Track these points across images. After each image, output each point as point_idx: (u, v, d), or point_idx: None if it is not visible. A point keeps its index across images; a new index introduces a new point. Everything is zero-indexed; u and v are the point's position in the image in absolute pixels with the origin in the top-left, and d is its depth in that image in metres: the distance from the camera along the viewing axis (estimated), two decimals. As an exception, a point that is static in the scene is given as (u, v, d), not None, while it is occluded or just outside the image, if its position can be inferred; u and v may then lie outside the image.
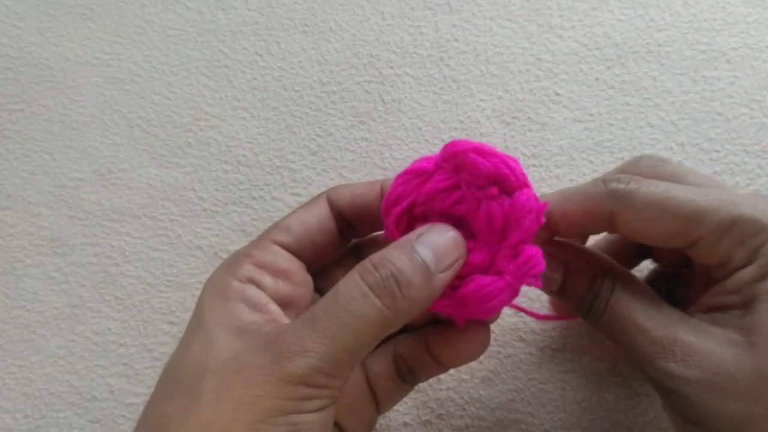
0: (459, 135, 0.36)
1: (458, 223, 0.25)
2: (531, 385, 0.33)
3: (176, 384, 0.24)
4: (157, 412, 0.23)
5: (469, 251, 0.25)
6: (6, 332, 0.35)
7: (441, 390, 0.33)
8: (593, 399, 0.32)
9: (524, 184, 0.25)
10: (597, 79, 0.37)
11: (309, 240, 0.27)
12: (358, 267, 0.23)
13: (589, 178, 0.35)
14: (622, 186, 0.25)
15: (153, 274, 0.36)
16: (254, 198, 0.36)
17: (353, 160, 0.37)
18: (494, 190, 0.25)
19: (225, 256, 0.36)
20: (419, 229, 0.25)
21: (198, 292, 0.35)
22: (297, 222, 0.27)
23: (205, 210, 0.36)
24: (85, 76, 0.39)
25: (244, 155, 0.37)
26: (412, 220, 0.26)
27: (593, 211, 0.26)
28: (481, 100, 0.37)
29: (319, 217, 0.28)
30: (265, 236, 0.27)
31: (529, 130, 0.36)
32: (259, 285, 0.26)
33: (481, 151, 0.25)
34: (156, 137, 0.38)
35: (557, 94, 0.37)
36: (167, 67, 0.39)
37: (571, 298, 0.27)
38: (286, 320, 0.26)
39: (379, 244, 0.26)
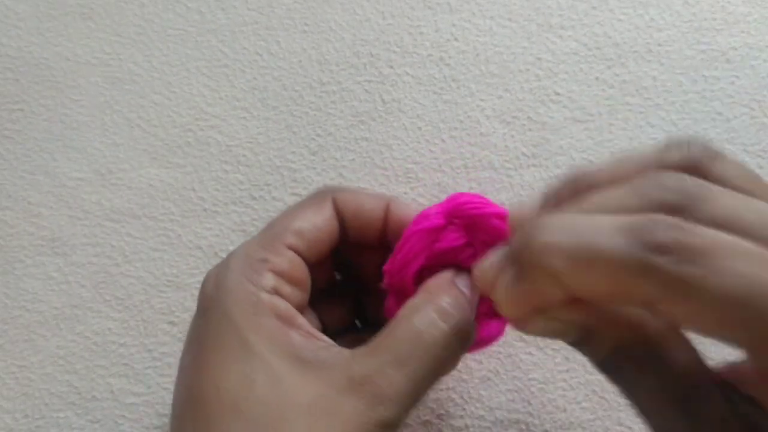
0: (459, 135, 0.36)
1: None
2: (531, 385, 0.33)
3: (249, 423, 0.22)
4: None
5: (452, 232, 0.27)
6: (6, 332, 0.35)
7: (440, 390, 0.33)
8: (593, 399, 0.32)
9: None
10: (597, 78, 0.37)
11: (317, 244, 0.27)
12: (435, 306, 0.24)
13: (589, 178, 0.35)
14: (671, 264, 0.16)
15: (153, 274, 0.36)
16: (254, 198, 0.36)
17: (353, 159, 0.37)
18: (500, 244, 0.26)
19: (225, 256, 0.36)
20: (450, 272, 0.26)
21: (198, 293, 0.35)
22: (309, 226, 0.26)
23: (205, 210, 0.36)
24: (85, 76, 0.39)
25: (244, 155, 0.37)
26: (423, 272, 0.27)
27: (623, 290, 0.18)
28: (481, 100, 0.37)
29: (328, 221, 0.27)
30: (277, 239, 0.26)
31: (529, 130, 0.36)
32: (283, 296, 0.25)
33: (501, 216, 0.26)
34: (156, 137, 0.38)
35: (557, 94, 0.37)
36: (167, 67, 0.39)
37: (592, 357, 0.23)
38: (321, 336, 0.25)
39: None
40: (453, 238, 0.26)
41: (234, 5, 0.40)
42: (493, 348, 0.33)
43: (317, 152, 0.37)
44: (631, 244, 0.17)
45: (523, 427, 0.32)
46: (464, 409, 0.33)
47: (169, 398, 0.34)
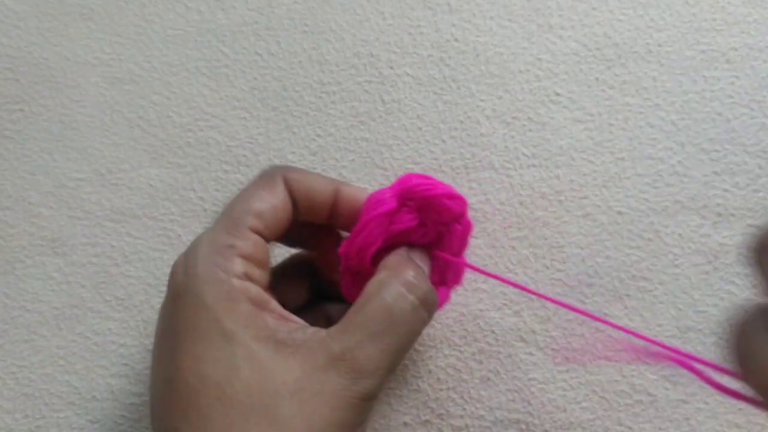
0: (459, 135, 0.36)
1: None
2: (531, 385, 0.33)
3: (238, 409, 0.23)
4: None
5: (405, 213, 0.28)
6: (6, 332, 0.35)
7: (441, 390, 0.33)
8: (593, 399, 0.32)
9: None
10: (597, 79, 0.37)
11: (276, 224, 0.27)
12: (401, 280, 0.26)
13: (589, 179, 0.35)
14: None
15: (153, 274, 0.36)
16: (254, 198, 0.36)
17: (353, 160, 0.37)
18: (454, 224, 0.29)
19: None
20: (403, 249, 0.28)
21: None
22: (267, 207, 0.27)
23: (205, 210, 0.36)
24: (85, 76, 0.39)
25: (244, 155, 0.37)
26: (379, 252, 0.28)
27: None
28: (481, 100, 0.37)
29: (283, 201, 0.27)
30: (240, 223, 0.26)
31: (529, 130, 0.36)
32: (253, 280, 0.25)
33: (451, 196, 0.28)
34: (156, 137, 0.38)
35: (557, 94, 0.37)
36: (167, 67, 0.39)
37: None
38: (292, 317, 0.26)
39: None
40: (407, 220, 0.28)
41: (234, 5, 0.40)
42: (493, 348, 0.33)
43: (317, 152, 0.37)
44: None
45: (523, 427, 0.32)
46: (464, 409, 0.33)
47: (169, 398, 0.34)
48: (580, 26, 0.38)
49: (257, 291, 0.25)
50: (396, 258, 0.27)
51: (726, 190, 0.35)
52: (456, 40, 0.38)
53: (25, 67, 0.40)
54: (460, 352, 0.33)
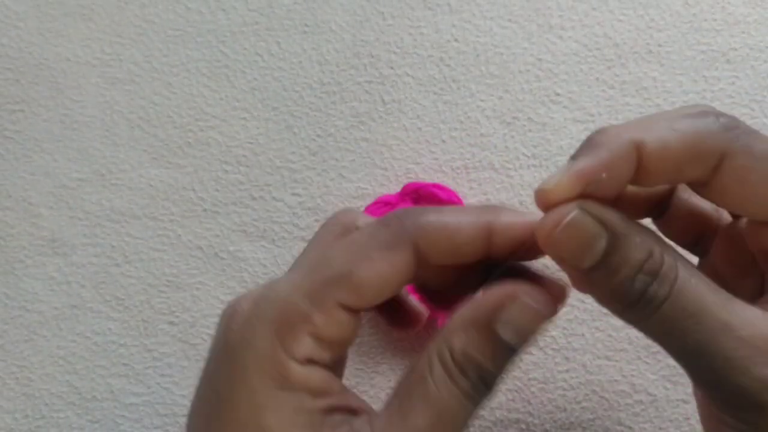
0: (459, 135, 0.36)
1: None
2: (531, 385, 0.33)
3: None
4: None
5: None
6: (6, 332, 0.35)
7: (441, 390, 0.33)
8: (593, 399, 0.32)
9: None
10: (597, 79, 0.37)
11: (379, 297, 0.21)
12: (446, 367, 0.20)
13: (589, 178, 0.35)
14: (740, 124, 0.20)
15: (153, 275, 0.36)
16: (254, 198, 0.36)
17: (353, 160, 0.37)
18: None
19: (225, 256, 0.36)
20: (496, 296, 0.21)
21: (198, 293, 0.35)
22: (375, 280, 0.21)
23: (205, 210, 0.36)
24: (85, 77, 0.39)
25: (244, 155, 0.37)
26: None
27: (700, 148, 0.19)
28: (481, 100, 0.37)
29: (401, 272, 0.21)
30: (329, 290, 0.20)
31: (529, 130, 0.36)
32: (319, 362, 0.21)
33: (438, 187, 0.33)
34: (156, 137, 0.38)
35: (557, 94, 0.37)
36: (167, 67, 0.39)
37: (609, 280, 0.19)
38: (350, 398, 0.22)
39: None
40: (403, 207, 0.32)
41: (234, 6, 0.40)
42: (493, 348, 0.33)
43: (317, 152, 0.37)
44: (712, 116, 0.20)
45: (523, 427, 0.32)
46: (464, 409, 0.33)
47: (169, 398, 0.34)
48: (580, 26, 0.38)
49: (320, 378, 0.21)
50: (467, 308, 0.21)
51: (726, 190, 0.35)
52: (456, 40, 0.38)
53: (25, 67, 0.40)
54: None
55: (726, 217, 0.24)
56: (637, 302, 0.19)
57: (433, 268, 0.21)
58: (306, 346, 0.20)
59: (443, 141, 0.36)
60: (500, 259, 0.22)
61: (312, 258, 0.22)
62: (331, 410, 0.21)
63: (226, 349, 0.21)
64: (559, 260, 0.20)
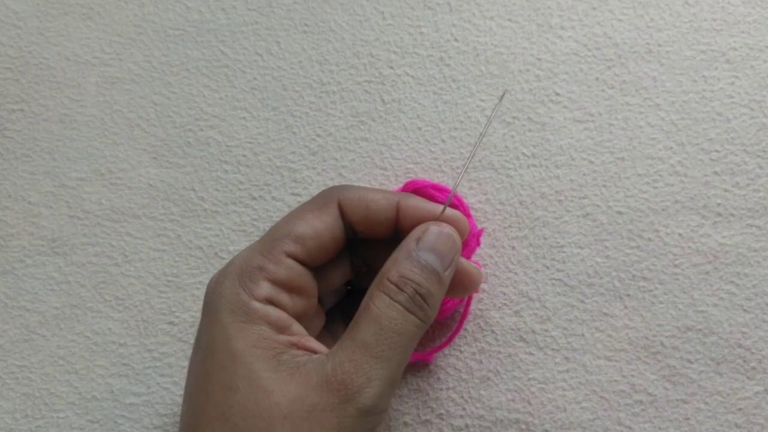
0: (459, 135, 0.36)
1: None
2: (531, 385, 0.33)
3: (233, 430, 0.23)
4: None
5: None
6: (6, 332, 0.35)
7: (441, 390, 0.33)
8: (593, 399, 0.32)
9: (468, 214, 0.33)
10: (597, 79, 0.37)
11: (319, 250, 0.27)
12: (382, 287, 0.25)
13: (589, 179, 0.35)
14: None
15: (153, 274, 0.36)
16: (254, 198, 0.36)
17: (353, 160, 0.37)
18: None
19: (225, 256, 0.36)
20: (416, 232, 0.27)
21: (198, 293, 0.35)
22: (310, 232, 0.26)
23: (205, 210, 0.36)
24: (85, 76, 0.39)
25: (244, 155, 0.37)
26: None
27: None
28: (481, 100, 0.37)
29: (331, 226, 0.27)
30: (276, 246, 0.26)
31: (529, 130, 0.36)
32: (278, 305, 0.26)
33: (437, 188, 0.33)
34: (156, 137, 0.38)
35: (557, 94, 0.37)
36: (167, 67, 0.39)
37: None
38: (312, 341, 0.26)
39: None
40: None
41: (234, 5, 0.40)
42: (493, 348, 0.33)
43: (317, 152, 0.37)
44: None
45: (523, 427, 0.32)
46: (464, 409, 0.33)
47: (169, 398, 0.34)
48: (580, 26, 0.38)
49: (279, 315, 0.25)
50: (395, 254, 0.26)
51: (726, 190, 0.35)
52: (456, 40, 0.38)
53: (25, 67, 0.40)
54: (460, 352, 0.33)
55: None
56: None
57: (360, 234, 0.28)
58: (264, 288, 0.25)
59: (443, 141, 0.36)
60: (402, 233, 0.28)
61: (266, 231, 0.27)
62: (292, 345, 0.25)
63: (203, 310, 0.26)
64: None
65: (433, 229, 0.26)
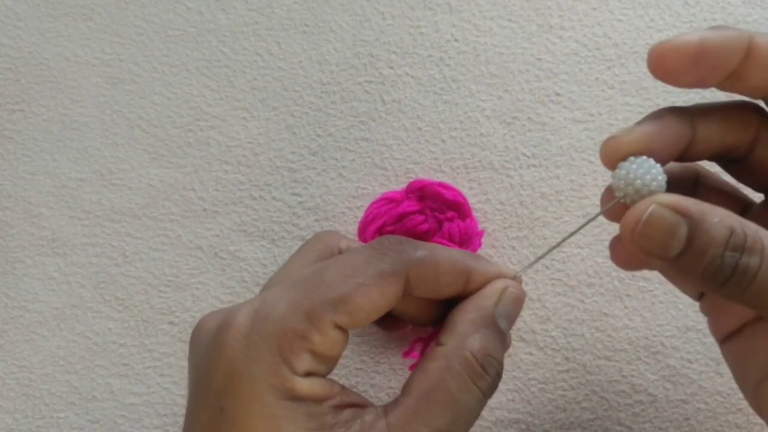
0: (459, 135, 0.36)
1: (419, 238, 0.30)
2: (531, 385, 0.33)
3: None
4: None
5: None
6: (6, 332, 0.35)
7: (441, 390, 0.33)
8: (593, 399, 0.32)
9: (470, 213, 0.33)
10: (597, 79, 0.37)
11: (368, 320, 0.23)
12: (465, 367, 0.22)
13: (589, 179, 0.35)
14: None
15: (153, 274, 0.36)
16: (254, 198, 0.36)
17: (353, 160, 0.37)
18: (452, 214, 0.33)
19: (225, 256, 0.36)
20: (493, 291, 0.24)
21: (198, 293, 0.35)
22: (368, 307, 0.22)
23: (205, 210, 0.36)
24: (85, 76, 0.39)
25: (244, 155, 0.37)
26: (381, 235, 0.30)
27: (730, 43, 0.21)
28: (481, 100, 0.37)
29: (392, 302, 0.23)
30: (324, 313, 0.22)
31: (529, 130, 0.36)
32: (317, 374, 0.22)
33: (443, 186, 0.34)
34: (156, 137, 0.38)
35: (557, 94, 0.37)
36: (167, 67, 0.39)
37: (698, 263, 0.20)
38: (353, 397, 0.23)
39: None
40: (409, 205, 0.34)
41: (234, 6, 0.40)
42: (493, 348, 0.33)
43: (317, 152, 0.37)
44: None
45: (523, 427, 0.32)
46: (464, 409, 0.33)
47: (169, 398, 0.34)
48: (580, 26, 0.38)
49: (321, 387, 0.22)
50: (475, 310, 0.23)
51: (726, 190, 0.35)
52: (456, 40, 0.38)
53: (25, 67, 0.40)
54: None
55: None
56: (731, 277, 0.20)
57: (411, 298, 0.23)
58: (305, 361, 0.21)
59: (443, 141, 0.36)
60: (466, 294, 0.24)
61: (307, 276, 0.23)
62: (339, 408, 0.22)
63: (228, 365, 0.21)
64: (648, 254, 0.21)
65: (512, 293, 0.24)
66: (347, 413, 0.22)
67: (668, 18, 0.37)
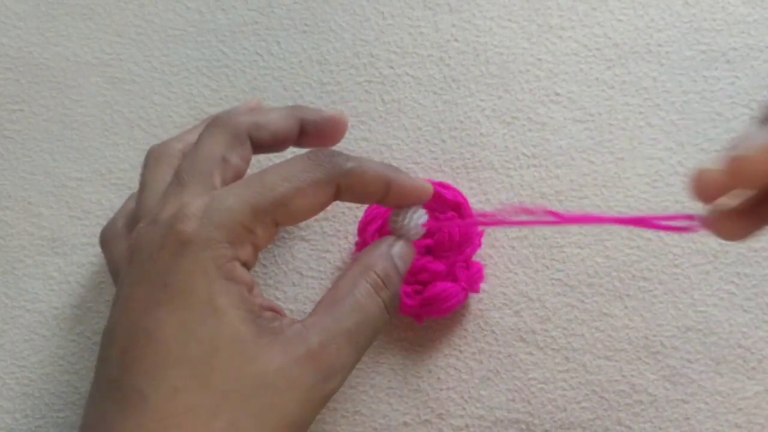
0: (459, 135, 0.36)
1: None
2: (531, 385, 0.33)
3: (216, 393, 0.22)
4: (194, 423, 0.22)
5: (431, 262, 0.32)
6: (6, 332, 0.35)
7: (441, 390, 0.33)
8: (593, 399, 0.32)
9: (470, 213, 0.33)
10: (597, 79, 0.37)
11: (302, 220, 0.27)
12: (368, 278, 0.26)
13: (589, 179, 0.35)
14: None
15: (153, 274, 0.36)
16: (254, 198, 0.36)
17: (353, 160, 0.37)
18: (452, 214, 0.33)
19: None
20: (390, 240, 0.28)
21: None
22: (306, 208, 0.26)
23: (205, 210, 0.36)
24: (85, 76, 0.39)
25: (244, 155, 0.37)
26: (381, 236, 0.32)
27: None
28: (481, 100, 0.37)
29: (324, 204, 0.26)
30: (271, 212, 0.24)
31: (529, 130, 0.36)
32: (248, 265, 0.25)
33: (443, 185, 0.33)
34: (156, 137, 0.38)
35: (557, 94, 0.37)
36: (167, 67, 0.39)
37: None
38: (272, 302, 0.26)
39: None
40: None
41: (234, 5, 0.40)
42: (493, 348, 0.33)
43: (317, 152, 0.37)
44: None
45: (523, 427, 0.32)
46: (464, 409, 0.33)
47: (169, 398, 0.34)
48: (580, 26, 0.38)
49: (250, 278, 0.25)
50: (374, 251, 0.27)
51: (726, 190, 0.35)
52: (456, 40, 0.38)
53: (25, 67, 0.40)
54: (460, 351, 0.33)
55: None
56: None
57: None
58: (246, 251, 0.24)
59: (443, 141, 0.36)
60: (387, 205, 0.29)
61: (251, 177, 0.25)
62: (263, 308, 0.24)
63: (179, 241, 0.23)
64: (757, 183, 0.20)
65: (404, 245, 0.28)
66: (269, 314, 0.25)
67: (668, 18, 0.37)
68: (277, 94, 0.38)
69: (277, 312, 0.26)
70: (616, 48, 0.37)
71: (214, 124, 0.28)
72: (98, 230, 0.37)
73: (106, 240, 0.32)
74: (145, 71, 0.39)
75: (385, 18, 0.39)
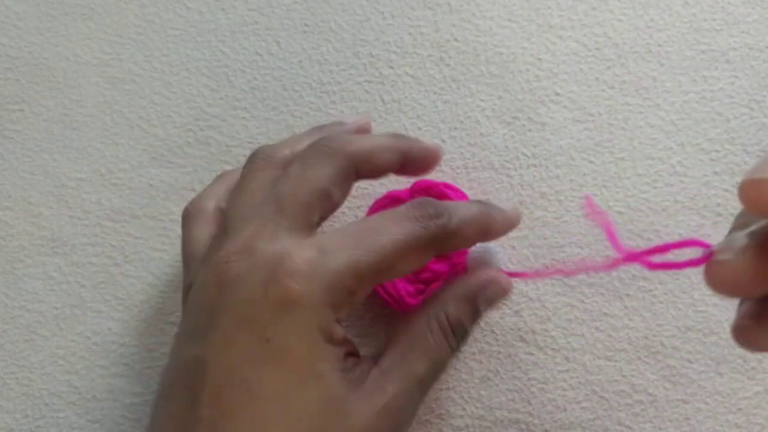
0: (459, 135, 0.36)
1: None
2: (531, 385, 0.33)
3: None
4: None
5: (433, 262, 0.32)
6: (6, 332, 0.35)
7: (441, 390, 0.33)
8: (593, 399, 0.32)
9: None
10: (597, 79, 0.37)
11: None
12: (441, 324, 0.27)
13: (589, 178, 0.35)
14: None
15: (153, 274, 0.36)
16: (254, 198, 0.36)
17: (353, 160, 0.37)
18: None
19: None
20: (484, 277, 0.28)
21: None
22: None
23: (205, 210, 0.36)
24: (85, 76, 0.39)
25: (244, 155, 0.37)
26: None
27: None
28: (481, 100, 0.37)
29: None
30: (372, 278, 0.25)
31: (529, 130, 0.36)
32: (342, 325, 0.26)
33: (448, 186, 0.34)
34: (156, 137, 0.38)
35: (557, 94, 0.37)
36: (167, 67, 0.39)
37: None
38: (352, 346, 0.26)
39: None
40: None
41: (234, 5, 0.40)
42: (493, 348, 0.33)
43: (317, 152, 0.37)
44: None
45: (523, 427, 0.32)
46: (464, 409, 0.33)
47: (169, 398, 0.34)
48: (580, 26, 0.38)
49: (344, 332, 0.25)
50: (454, 289, 0.28)
51: (726, 190, 0.35)
52: (456, 40, 0.38)
53: (25, 67, 0.40)
54: (460, 351, 0.33)
55: None
56: None
57: None
58: (344, 312, 0.25)
59: (443, 141, 0.36)
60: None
61: (358, 231, 0.25)
62: (347, 355, 0.25)
63: (286, 302, 0.23)
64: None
65: (499, 284, 0.28)
66: (350, 361, 0.25)
67: (668, 18, 0.37)
68: (277, 94, 0.38)
69: (354, 355, 0.26)
70: (616, 48, 0.37)
71: (325, 147, 0.27)
72: (98, 230, 0.37)
73: (190, 216, 0.31)
74: (145, 71, 0.39)
75: (385, 18, 0.39)
